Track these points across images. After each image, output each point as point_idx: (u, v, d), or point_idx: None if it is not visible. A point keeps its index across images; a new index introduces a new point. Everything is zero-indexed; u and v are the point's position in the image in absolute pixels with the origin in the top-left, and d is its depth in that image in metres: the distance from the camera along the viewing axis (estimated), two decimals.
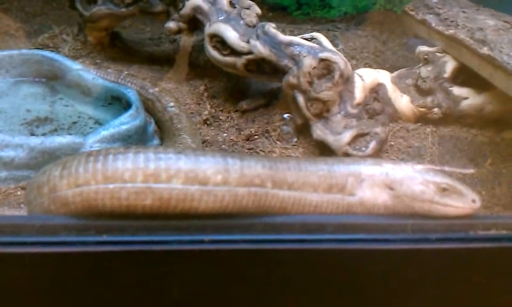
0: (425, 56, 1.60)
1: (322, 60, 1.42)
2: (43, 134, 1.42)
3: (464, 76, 1.56)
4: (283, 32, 1.56)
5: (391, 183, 1.00)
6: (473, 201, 1.00)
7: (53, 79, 1.66)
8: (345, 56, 1.50)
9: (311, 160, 1.06)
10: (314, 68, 1.42)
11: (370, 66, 1.86)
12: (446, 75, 1.55)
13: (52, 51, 1.82)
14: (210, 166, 0.92)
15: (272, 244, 0.93)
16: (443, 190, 0.99)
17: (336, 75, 1.42)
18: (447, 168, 1.12)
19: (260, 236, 0.94)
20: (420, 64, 1.61)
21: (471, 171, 1.20)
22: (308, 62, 1.42)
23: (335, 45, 1.98)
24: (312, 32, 1.59)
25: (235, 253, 0.91)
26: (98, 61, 1.93)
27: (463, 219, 1.00)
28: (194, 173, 0.91)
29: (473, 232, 1.00)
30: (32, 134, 1.42)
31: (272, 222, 0.96)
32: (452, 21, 1.60)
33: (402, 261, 0.97)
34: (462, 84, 1.56)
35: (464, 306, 1.02)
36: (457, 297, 1.00)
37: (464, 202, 0.99)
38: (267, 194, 0.95)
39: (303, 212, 0.99)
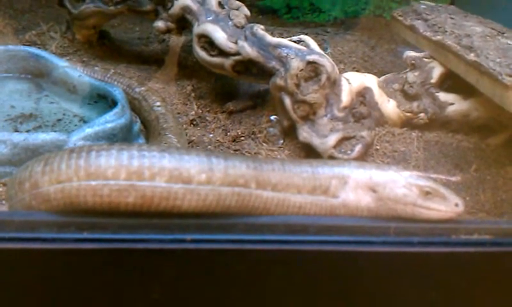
0: (413, 61, 1.61)
1: (309, 63, 1.42)
2: (27, 131, 1.41)
3: (450, 82, 1.57)
4: (272, 34, 1.56)
5: (374, 185, 1.00)
6: (456, 205, 1.00)
7: (39, 76, 1.65)
8: (333, 60, 1.51)
9: (295, 161, 1.06)
10: (301, 70, 1.42)
11: (358, 71, 1.87)
12: (433, 81, 1.56)
13: (39, 48, 1.81)
14: (194, 165, 0.92)
15: (255, 244, 0.92)
16: (426, 194, 0.99)
17: (323, 78, 1.42)
18: (432, 174, 1.12)
19: (242, 236, 0.93)
20: (407, 70, 1.62)
21: (457, 178, 1.20)
22: (296, 64, 1.42)
23: (324, 49, 1.99)
24: (300, 35, 1.60)
25: (217, 253, 0.91)
26: (85, 59, 1.92)
27: (446, 223, 1.00)
28: (178, 172, 0.91)
29: (455, 236, 1.00)
30: (16, 130, 1.41)
31: (255, 222, 0.95)
32: (439, 27, 1.61)
33: (385, 264, 0.97)
34: (448, 89, 1.57)
35: None
36: (439, 300, 1.00)
37: (447, 206, 0.99)
38: (250, 194, 0.95)
39: (286, 212, 0.98)
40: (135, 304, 0.92)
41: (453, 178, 1.09)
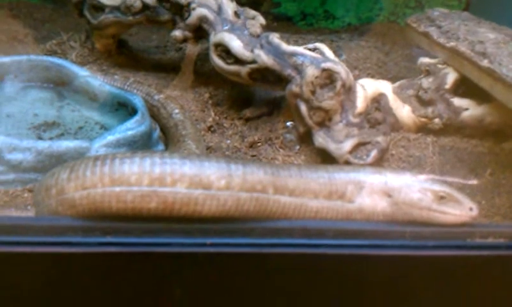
0: (427, 68, 1.63)
1: (324, 70, 1.44)
2: (50, 138, 1.45)
3: (464, 87, 1.58)
4: (287, 42, 1.59)
5: (390, 190, 1.02)
6: (471, 209, 1.02)
7: (60, 85, 1.69)
8: (348, 66, 1.53)
9: (312, 167, 1.08)
10: (317, 77, 1.44)
11: (372, 77, 1.88)
12: (447, 87, 1.57)
13: (59, 57, 1.85)
14: (214, 171, 0.95)
15: (272, 248, 0.95)
16: (441, 198, 1.01)
17: (338, 84, 1.44)
18: (448, 178, 1.14)
19: (261, 240, 0.96)
20: (422, 76, 1.63)
21: (473, 182, 1.22)
22: (311, 72, 1.44)
23: (338, 56, 2.01)
24: (315, 42, 1.62)
25: (236, 256, 0.94)
26: (104, 67, 1.95)
27: (461, 227, 1.02)
28: (199, 178, 0.94)
29: (470, 240, 1.02)
30: (40, 138, 1.45)
31: (273, 226, 0.98)
32: (453, 34, 1.62)
33: (400, 267, 0.99)
34: (463, 95, 1.58)
35: None
36: (454, 303, 1.02)
37: (461, 210, 1.01)
38: (268, 199, 0.98)
39: (303, 217, 1.01)
40: (157, 305, 0.95)
41: (469, 182, 1.11)
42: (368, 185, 1.03)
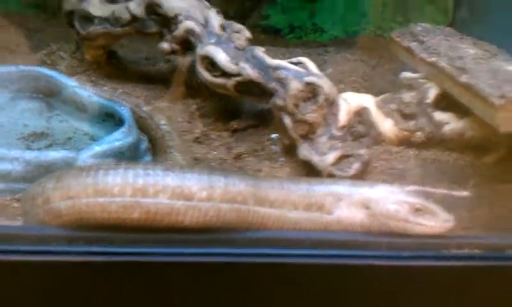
0: (409, 82, 1.66)
1: (307, 84, 1.48)
2: (39, 149, 1.47)
3: (446, 102, 1.61)
4: (275, 55, 1.62)
5: (367, 202, 1.05)
6: (446, 220, 1.05)
7: (50, 95, 1.71)
8: (333, 80, 1.56)
9: (292, 180, 1.11)
10: (300, 91, 1.48)
11: (357, 90, 1.90)
12: (428, 101, 1.60)
13: (49, 68, 1.87)
14: (195, 183, 0.97)
15: (253, 258, 0.98)
16: (417, 210, 1.04)
17: (321, 98, 1.48)
18: (438, 190, 1.17)
19: (241, 250, 0.98)
20: (404, 90, 1.67)
21: (465, 193, 1.25)
22: (294, 85, 1.48)
23: (324, 69, 2.05)
24: (303, 55, 1.66)
25: (216, 265, 0.96)
26: (94, 78, 1.97)
27: (437, 238, 1.05)
28: (181, 189, 0.96)
29: (446, 251, 1.05)
30: (29, 148, 1.47)
31: (253, 236, 1.01)
32: (434, 49, 1.66)
33: (377, 277, 1.01)
34: (444, 109, 1.61)
35: None
36: None
37: (436, 221, 1.04)
38: (249, 210, 1.01)
39: (283, 228, 1.04)
40: None
41: (461, 193, 1.14)
42: (346, 197, 1.06)
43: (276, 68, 1.53)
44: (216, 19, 1.71)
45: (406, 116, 1.60)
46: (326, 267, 1.00)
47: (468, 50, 1.61)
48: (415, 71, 1.71)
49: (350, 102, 1.56)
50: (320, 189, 1.07)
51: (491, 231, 1.38)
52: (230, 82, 1.59)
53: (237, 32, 1.65)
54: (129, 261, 0.95)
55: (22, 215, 1.10)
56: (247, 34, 1.66)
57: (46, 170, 1.29)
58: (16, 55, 2.14)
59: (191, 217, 0.96)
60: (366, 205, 1.06)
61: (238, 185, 1.00)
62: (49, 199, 0.99)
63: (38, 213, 1.00)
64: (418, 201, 1.05)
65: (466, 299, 1.06)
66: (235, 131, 1.71)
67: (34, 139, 1.53)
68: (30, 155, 1.32)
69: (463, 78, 1.46)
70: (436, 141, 1.59)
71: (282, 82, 1.51)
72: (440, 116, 1.59)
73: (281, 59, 1.61)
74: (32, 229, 1.01)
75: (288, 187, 1.05)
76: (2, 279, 0.94)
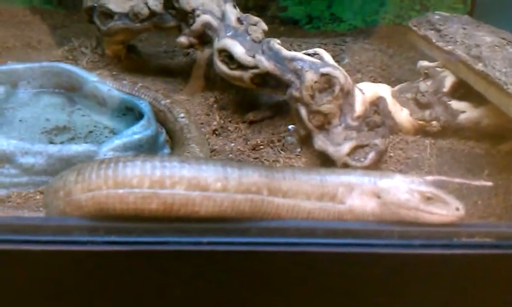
0: (426, 71, 1.67)
1: (323, 75, 1.49)
2: (61, 142, 1.51)
3: (462, 90, 1.61)
4: (292, 46, 1.64)
5: (379, 191, 1.07)
6: (457, 209, 1.06)
7: (71, 90, 1.76)
8: (351, 70, 1.57)
9: (305, 170, 1.13)
10: (315, 82, 1.49)
11: (375, 80, 1.91)
12: (445, 90, 1.61)
13: (71, 63, 1.92)
14: (210, 174, 1.00)
15: (266, 247, 1.00)
16: (428, 199, 1.05)
17: (337, 89, 1.49)
18: (454, 179, 1.18)
19: (255, 239, 1.01)
20: (421, 79, 1.67)
21: (488, 183, 1.25)
22: (310, 76, 1.49)
23: (341, 59, 2.06)
24: (320, 45, 1.66)
25: (231, 254, 0.99)
26: (114, 72, 2.01)
27: (448, 226, 1.06)
28: (196, 180, 0.99)
29: (457, 239, 1.06)
30: (52, 142, 1.51)
31: (267, 226, 1.03)
32: (451, 37, 1.66)
33: (388, 265, 1.03)
34: (460, 98, 1.61)
35: None
36: (441, 301, 1.06)
37: (448, 210, 1.05)
38: (263, 200, 1.03)
39: (296, 218, 1.06)
40: (157, 301, 1.01)
41: (484, 183, 1.15)
42: (358, 186, 1.08)
43: (292, 59, 1.55)
44: (232, 12, 1.73)
45: (422, 106, 1.61)
46: (338, 255, 1.02)
47: (485, 38, 1.61)
48: (432, 60, 1.71)
49: (366, 92, 1.57)
50: (333, 179, 1.08)
51: (507, 220, 1.38)
52: (247, 75, 1.61)
53: (254, 24, 1.67)
54: (147, 250, 0.98)
55: (44, 207, 1.14)
56: (263, 26, 1.68)
57: (67, 163, 1.33)
58: (38, 51, 2.19)
59: (207, 207, 0.99)
60: (377, 194, 1.07)
61: (252, 176, 1.02)
62: (70, 191, 1.02)
63: (59, 205, 1.04)
64: (429, 190, 1.06)
65: (477, 287, 1.07)
66: (252, 123, 1.74)
67: (57, 133, 1.57)
68: (53, 149, 1.37)
69: (479, 66, 1.46)
70: (452, 129, 1.60)
71: (298, 73, 1.53)
72: (456, 104, 1.60)
73: (298, 49, 1.63)
74: (55, 220, 1.04)
75: (301, 177, 1.08)
76: (27, 267, 0.98)
